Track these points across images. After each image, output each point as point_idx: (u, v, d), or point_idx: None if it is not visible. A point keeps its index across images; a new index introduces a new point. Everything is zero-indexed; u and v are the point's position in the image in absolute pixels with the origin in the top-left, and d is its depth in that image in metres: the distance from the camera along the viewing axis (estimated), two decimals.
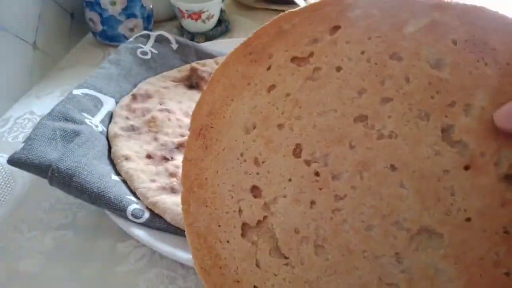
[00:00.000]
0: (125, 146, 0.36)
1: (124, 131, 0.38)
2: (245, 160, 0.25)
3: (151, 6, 0.63)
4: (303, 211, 0.24)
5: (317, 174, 0.24)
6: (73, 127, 0.36)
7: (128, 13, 0.59)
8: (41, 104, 0.50)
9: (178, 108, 0.42)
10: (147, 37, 0.50)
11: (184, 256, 0.29)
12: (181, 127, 0.40)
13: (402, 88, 0.23)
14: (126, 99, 0.42)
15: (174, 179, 0.33)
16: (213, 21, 0.63)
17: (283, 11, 0.25)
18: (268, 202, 0.24)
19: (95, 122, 0.39)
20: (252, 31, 0.26)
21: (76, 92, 0.40)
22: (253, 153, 0.25)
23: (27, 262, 0.32)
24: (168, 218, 0.31)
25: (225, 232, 0.24)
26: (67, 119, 0.36)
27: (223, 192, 0.25)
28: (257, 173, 0.25)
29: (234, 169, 0.25)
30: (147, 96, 0.43)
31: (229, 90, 0.26)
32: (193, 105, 0.42)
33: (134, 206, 0.31)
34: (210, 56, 0.51)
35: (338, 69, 0.24)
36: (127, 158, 0.35)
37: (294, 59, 0.25)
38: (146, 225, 0.31)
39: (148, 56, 0.48)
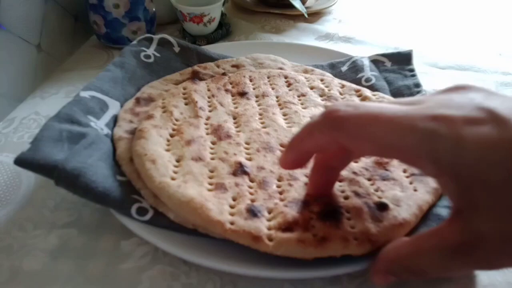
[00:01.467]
0: (129, 149, 0.37)
1: (128, 134, 0.39)
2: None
3: (154, 9, 0.63)
4: None
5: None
6: (78, 129, 0.37)
7: (131, 16, 0.60)
8: (45, 105, 0.51)
9: None
10: (150, 40, 0.51)
11: (187, 253, 0.30)
12: None
13: None
14: (130, 103, 0.43)
15: None
16: (215, 24, 0.64)
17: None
18: None
19: (100, 125, 0.39)
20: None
21: (84, 94, 0.41)
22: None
23: (32, 260, 0.32)
24: (171, 216, 0.32)
25: None
26: (73, 121, 0.37)
27: None
28: None
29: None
30: (150, 100, 0.44)
31: None
32: None
33: (138, 204, 0.32)
34: (211, 59, 0.52)
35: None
36: (131, 160, 0.36)
37: None
38: (150, 223, 0.32)
39: (151, 60, 0.49)
